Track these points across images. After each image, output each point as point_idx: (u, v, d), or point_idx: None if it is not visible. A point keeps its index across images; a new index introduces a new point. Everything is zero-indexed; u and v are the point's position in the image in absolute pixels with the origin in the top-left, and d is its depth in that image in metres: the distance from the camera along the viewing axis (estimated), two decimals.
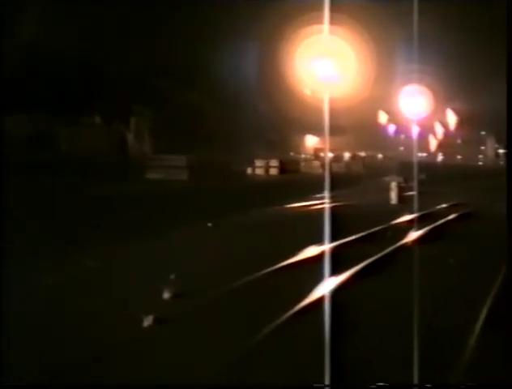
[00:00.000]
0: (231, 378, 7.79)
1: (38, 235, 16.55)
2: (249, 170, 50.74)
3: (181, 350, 8.85)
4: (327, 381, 7.27)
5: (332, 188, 26.48)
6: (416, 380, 7.51)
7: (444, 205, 26.73)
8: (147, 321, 9.75)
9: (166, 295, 11.23)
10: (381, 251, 15.61)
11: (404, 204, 25.23)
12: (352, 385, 7.68)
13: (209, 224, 20.05)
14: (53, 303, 10.89)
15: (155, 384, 7.75)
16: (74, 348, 8.74)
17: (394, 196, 28.99)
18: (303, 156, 60.65)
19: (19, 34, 30.93)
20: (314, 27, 31.02)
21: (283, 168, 52.00)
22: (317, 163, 54.60)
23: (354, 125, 47.39)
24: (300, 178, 46.42)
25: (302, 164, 57.16)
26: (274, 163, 52.34)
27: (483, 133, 65.21)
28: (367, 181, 41.02)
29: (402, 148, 56.34)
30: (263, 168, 51.68)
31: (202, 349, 8.83)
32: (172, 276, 12.32)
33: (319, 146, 54.88)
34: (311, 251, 14.53)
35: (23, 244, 14.61)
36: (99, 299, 11.13)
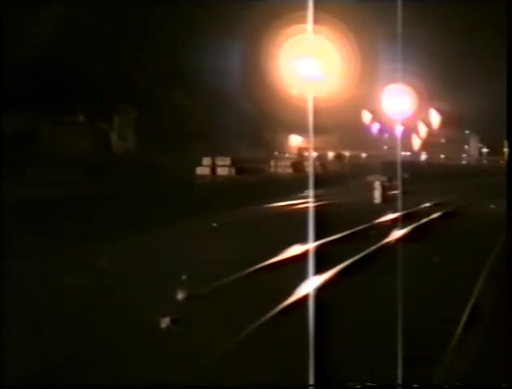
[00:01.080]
0: (214, 377, 7.78)
1: (36, 234, 16.53)
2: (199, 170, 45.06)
3: (168, 352, 8.85)
4: (311, 380, 7.27)
5: (302, 189, 26.48)
6: (400, 379, 7.53)
7: (427, 204, 26.82)
8: (164, 322, 9.74)
9: (180, 295, 11.25)
10: (364, 250, 15.65)
11: (388, 203, 25.29)
12: (336, 384, 7.68)
13: (214, 225, 20.04)
14: (54, 304, 10.91)
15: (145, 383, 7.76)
16: (79, 348, 8.75)
17: (378, 195, 29.08)
18: (274, 153, 57.10)
19: (4, 34, 30.77)
20: (298, 27, 31.01)
21: (240, 168, 46.07)
22: (286, 162, 50.95)
23: (338, 124, 47.31)
24: (256, 180, 41.65)
25: (272, 163, 51.57)
26: (222, 161, 46.32)
27: (466, 132, 65.44)
28: (351, 181, 41.09)
29: (386, 147, 56.39)
30: (209, 167, 45.80)
31: (184, 348, 8.82)
32: (184, 277, 12.28)
33: (303, 145, 54.65)
34: (295, 250, 14.55)
35: (21, 243, 14.58)
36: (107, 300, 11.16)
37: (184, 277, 12.21)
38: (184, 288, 11.49)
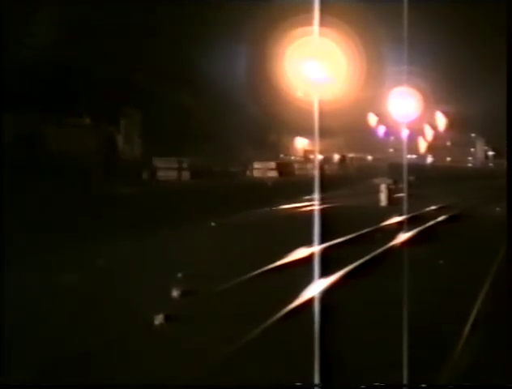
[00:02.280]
0: (221, 377, 7.78)
1: (38, 234, 16.55)
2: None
3: (169, 350, 8.85)
4: (317, 382, 7.26)
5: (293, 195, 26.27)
6: (405, 380, 7.52)
7: (433, 207, 26.81)
8: (158, 319, 9.79)
9: (175, 293, 11.31)
10: (370, 253, 15.64)
11: (394, 206, 25.28)
12: (341, 385, 7.68)
13: (212, 224, 20.06)
14: (54, 303, 10.93)
15: (146, 384, 7.76)
16: (79, 348, 8.77)
17: (383, 198, 29.08)
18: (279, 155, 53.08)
19: (5, 34, 30.82)
20: (304, 29, 31.08)
21: (196, 171, 39.46)
22: (269, 164, 45.58)
23: (344, 127, 47.27)
24: (216, 186, 36.14)
25: (255, 167, 45.88)
26: (166, 162, 39.30)
27: (472, 135, 65.38)
28: (357, 183, 41.08)
29: (392, 150, 56.37)
30: (148, 171, 38.93)
31: (192, 349, 8.82)
32: (180, 275, 12.34)
33: (309, 148, 54.51)
34: (301, 253, 14.54)
35: (22, 243, 14.61)
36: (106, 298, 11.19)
37: (180, 275, 12.28)
38: (184, 288, 11.53)
